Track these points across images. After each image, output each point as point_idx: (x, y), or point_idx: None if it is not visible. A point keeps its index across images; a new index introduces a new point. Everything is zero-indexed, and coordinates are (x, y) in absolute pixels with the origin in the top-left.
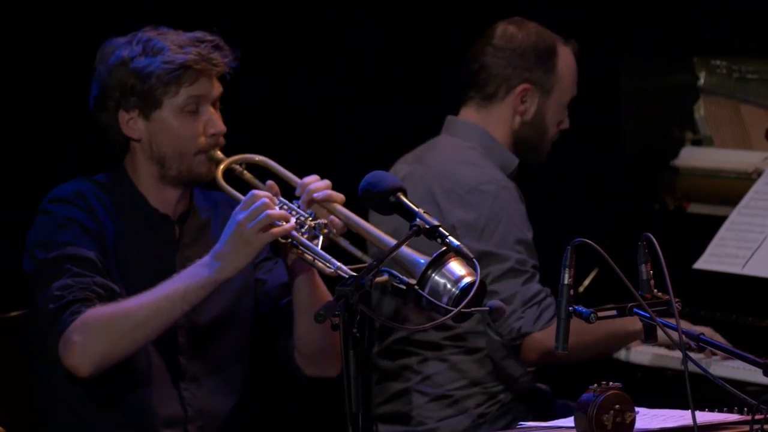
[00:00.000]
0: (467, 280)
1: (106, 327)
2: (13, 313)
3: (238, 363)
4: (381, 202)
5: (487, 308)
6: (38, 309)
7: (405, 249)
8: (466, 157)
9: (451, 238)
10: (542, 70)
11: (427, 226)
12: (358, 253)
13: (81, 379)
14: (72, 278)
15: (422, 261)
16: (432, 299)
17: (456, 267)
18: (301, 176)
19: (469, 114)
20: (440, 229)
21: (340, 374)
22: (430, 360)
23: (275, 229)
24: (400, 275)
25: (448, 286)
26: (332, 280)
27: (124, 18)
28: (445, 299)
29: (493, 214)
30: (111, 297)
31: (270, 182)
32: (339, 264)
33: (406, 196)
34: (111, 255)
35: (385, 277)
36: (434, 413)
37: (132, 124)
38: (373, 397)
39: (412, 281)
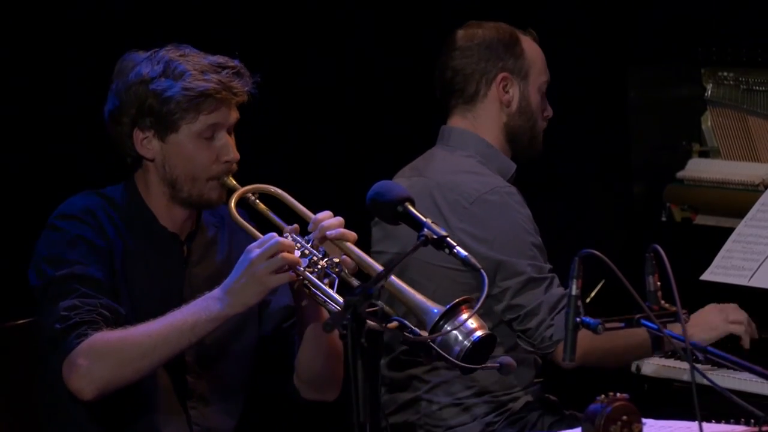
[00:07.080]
0: (479, 333)
1: (113, 353)
2: (20, 322)
3: (244, 381)
4: (388, 212)
5: (498, 365)
6: (44, 327)
7: (418, 297)
8: (465, 166)
9: (458, 248)
10: (513, 57)
11: (435, 237)
12: None
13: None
14: (79, 299)
15: (435, 311)
16: (444, 354)
17: (469, 320)
18: (313, 210)
19: (457, 122)
20: (448, 239)
21: (344, 389)
22: (439, 369)
23: (289, 274)
24: (411, 326)
25: (460, 338)
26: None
27: (137, 27)
28: (456, 349)
29: (502, 223)
30: (117, 320)
31: (295, 226)
32: None
33: (414, 206)
34: (119, 272)
35: (395, 323)
36: (443, 422)
37: (146, 143)
38: (381, 407)
39: (424, 334)
